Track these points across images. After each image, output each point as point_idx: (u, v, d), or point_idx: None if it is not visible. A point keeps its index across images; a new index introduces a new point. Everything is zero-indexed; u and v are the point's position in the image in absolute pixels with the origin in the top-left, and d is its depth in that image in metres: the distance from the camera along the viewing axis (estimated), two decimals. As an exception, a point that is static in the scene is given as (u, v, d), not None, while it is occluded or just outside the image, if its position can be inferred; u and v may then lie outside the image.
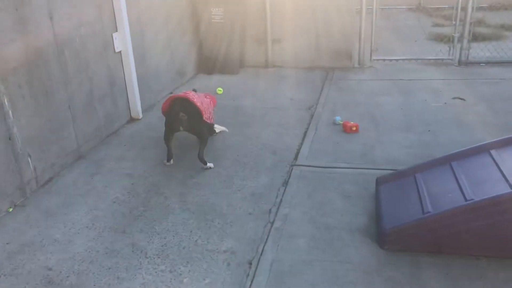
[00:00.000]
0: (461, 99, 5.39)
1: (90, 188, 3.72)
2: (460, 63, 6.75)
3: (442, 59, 6.90)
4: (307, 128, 4.78)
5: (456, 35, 6.69)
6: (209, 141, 4.21)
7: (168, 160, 4.05)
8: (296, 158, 4.13)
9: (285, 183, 3.69)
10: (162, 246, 2.97)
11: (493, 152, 3.12)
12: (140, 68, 5.20)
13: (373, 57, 6.96)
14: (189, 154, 4.22)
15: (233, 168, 3.96)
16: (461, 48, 6.70)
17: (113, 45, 4.72)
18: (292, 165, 3.99)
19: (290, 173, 3.85)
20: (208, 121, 4.14)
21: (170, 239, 3.03)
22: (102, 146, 4.51)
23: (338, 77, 6.58)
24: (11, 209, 3.42)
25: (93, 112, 4.46)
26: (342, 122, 4.74)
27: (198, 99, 4.05)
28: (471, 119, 4.80)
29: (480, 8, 6.77)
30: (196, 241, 3.00)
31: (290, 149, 4.29)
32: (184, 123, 3.88)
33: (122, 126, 4.97)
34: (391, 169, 3.72)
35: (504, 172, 2.79)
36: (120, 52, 4.84)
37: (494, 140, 3.24)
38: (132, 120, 5.14)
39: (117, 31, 4.76)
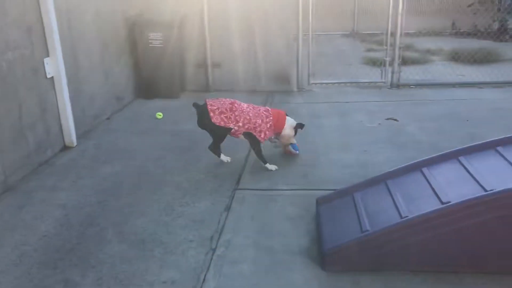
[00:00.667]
0: (394, 119, 5.65)
1: (18, 221, 3.48)
2: (392, 85, 7.11)
3: (376, 82, 7.24)
4: (249, 151, 4.78)
5: (387, 59, 7.06)
6: (149, 167, 4.10)
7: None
8: (238, 182, 4.10)
9: (228, 208, 3.64)
10: (97, 280, 2.80)
11: (424, 169, 3.26)
12: (74, 94, 5.01)
13: (311, 81, 7.17)
14: (127, 180, 4.08)
15: (173, 195, 3.86)
16: (392, 72, 7.06)
17: (45, 70, 4.52)
18: (234, 189, 3.96)
19: (233, 197, 3.81)
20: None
21: (106, 272, 2.87)
22: (33, 176, 4.25)
23: (279, 101, 6.70)
24: None
25: (23, 140, 4.21)
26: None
27: (224, 106, 4.11)
28: (403, 139, 5.03)
29: (408, 34, 7.23)
30: (134, 272, 2.87)
31: (232, 173, 4.26)
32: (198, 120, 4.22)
33: (55, 155, 4.72)
34: (331, 189, 3.78)
35: (435, 188, 2.92)
36: (52, 77, 4.64)
37: (424, 158, 3.39)
38: (66, 148, 4.90)
39: (48, 55, 4.57)
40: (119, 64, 6.36)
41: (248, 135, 4.25)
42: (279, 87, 7.13)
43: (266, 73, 7.13)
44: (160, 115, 5.90)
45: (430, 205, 2.74)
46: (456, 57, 8.50)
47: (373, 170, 4.20)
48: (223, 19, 6.93)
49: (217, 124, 4.08)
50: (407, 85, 7.15)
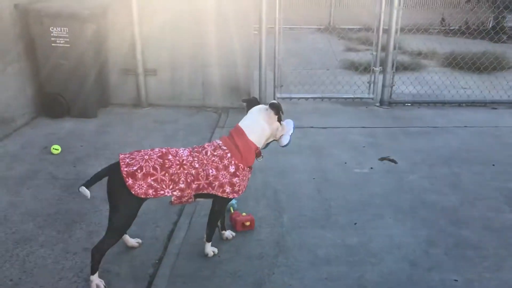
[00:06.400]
0: (390, 160, 4.02)
1: None
2: (382, 103, 5.48)
3: (361, 98, 5.59)
4: (177, 221, 3.07)
5: (377, 68, 5.41)
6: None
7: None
8: (142, 301, 2.37)
9: None
10: None
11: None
12: None
13: (277, 95, 5.46)
14: None
15: None
16: (383, 85, 5.43)
17: None
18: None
19: None
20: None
21: None
22: None
23: (233, 123, 4.89)
24: None
25: None
26: (234, 211, 3.09)
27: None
28: (409, 198, 3.40)
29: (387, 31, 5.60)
30: None
31: (135, 278, 2.52)
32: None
33: None
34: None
35: None
36: None
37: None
38: None
39: None
40: (4, 70, 4.47)
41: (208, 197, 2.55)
42: (235, 101, 5.39)
43: (218, 82, 5.38)
44: (57, 150, 4.07)
45: None
46: (453, 63, 6.91)
47: (372, 270, 2.58)
48: (160, 9, 5.11)
49: (140, 196, 2.32)
50: (401, 103, 5.54)
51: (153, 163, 2.36)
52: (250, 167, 2.58)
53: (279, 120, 2.63)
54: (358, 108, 5.43)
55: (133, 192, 2.29)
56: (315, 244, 2.83)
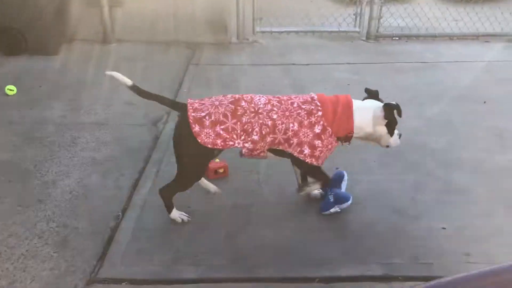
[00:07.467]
0: (377, 99, 3.74)
1: None
2: (368, 36, 5.13)
3: (346, 32, 5.21)
4: (142, 173, 2.80)
5: (365, -1, 5.00)
6: None
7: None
8: (102, 257, 2.14)
9: None
10: None
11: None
12: None
13: (257, 29, 5.05)
14: None
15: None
16: (370, 17, 5.03)
17: None
18: (88, 283, 2.01)
19: (79, 312, 1.87)
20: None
21: None
22: None
23: (208, 60, 4.59)
24: None
25: None
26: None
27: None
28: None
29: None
30: None
31: (95, 232, 2.29)
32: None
33: None
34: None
35: None
36: None
37: None
38: None
39: None
40: None
41: (281, 154, 2.25)
42: (211, 36, 4.98)
43: (193, 15, 4.93)
44: (11, 91, 3.69)
45: None
46: (445, -7, 6.48)
47: (353, 219, 2.39)
48: None
49: (207, 145, 2.07)
50: (389, 37, 5.18)
51: (223, 109, 2.08)
52: (337, 139, 2.23)
53: (390, 127, 2.29)
54: (343, 43, 5.07)
55: (199, 141, 2.05)
56: (293, 192, 2.60)
